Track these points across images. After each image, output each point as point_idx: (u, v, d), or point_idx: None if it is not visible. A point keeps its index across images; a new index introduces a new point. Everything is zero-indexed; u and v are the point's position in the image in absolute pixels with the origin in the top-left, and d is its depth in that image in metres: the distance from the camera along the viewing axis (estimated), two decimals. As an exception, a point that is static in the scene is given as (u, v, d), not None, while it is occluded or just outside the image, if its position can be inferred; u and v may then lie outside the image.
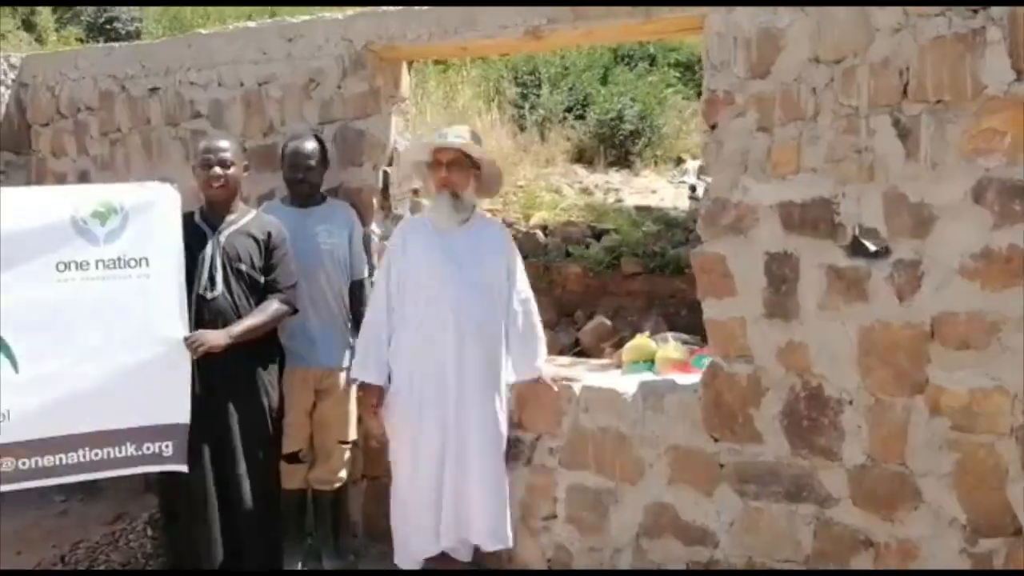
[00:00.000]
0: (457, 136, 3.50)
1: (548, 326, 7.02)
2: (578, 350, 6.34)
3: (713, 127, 3.28)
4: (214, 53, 4.39)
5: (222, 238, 3.47)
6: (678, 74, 11.40)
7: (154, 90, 4.61)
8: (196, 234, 3.45)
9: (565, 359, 4.63)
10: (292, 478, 3.80)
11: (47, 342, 3.16)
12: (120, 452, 3.24)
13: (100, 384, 3.19)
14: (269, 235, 3.54)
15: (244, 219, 3.55)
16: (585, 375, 3.77)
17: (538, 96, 10.41)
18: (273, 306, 3.48)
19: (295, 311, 3.59)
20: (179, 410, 3.26)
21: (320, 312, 3.80)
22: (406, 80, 4.20)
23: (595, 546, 3.60)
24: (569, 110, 10.37)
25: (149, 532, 4.25)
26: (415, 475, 3.49)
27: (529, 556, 3.71)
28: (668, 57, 11.58)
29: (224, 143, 3.54)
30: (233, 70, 4.34)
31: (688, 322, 6.15)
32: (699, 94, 11.39)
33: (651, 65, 11.45)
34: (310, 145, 3.86)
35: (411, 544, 3.56)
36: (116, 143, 4.78)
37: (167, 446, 3.27)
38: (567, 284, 7.22)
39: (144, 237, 3.29)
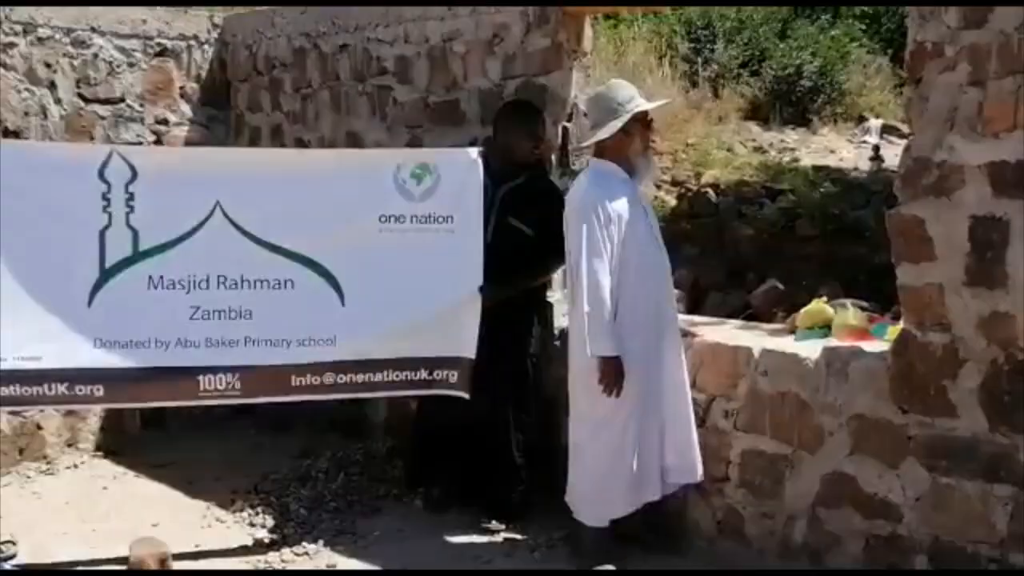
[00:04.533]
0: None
1: (718, 288, 6.95)
2: (748, 313, 6.19)
3: (918, 81, 3.09)
4: (401, 10, 4.51)
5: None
6: (863, 26, 10.79)
7: (343, 47, 4.79)
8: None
9: (735, 322, 4.53)
10: None
11: (368, 282, 3.70)
12: (415, 376, 3.79)
13: (407, 319, 3.72)
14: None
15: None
16: (756, 339, 3.69)
17: (712, 51, 10.12)
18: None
19: None
20: (467, 346, 3.72)
21: None
22: (588, 35, 4.18)
23: (768, 512, 3.53)
24: (744, 65, 10.04)
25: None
26: (642, 431, 3.51)
27: (699, 517, 3.69)
28: (852, 9, 10.97)
29: None
30: (419, 26, 4.45)
31: (867, 288, 5.89)
32: (885, 48, 10.80)
33: (834, 18, 10.89)
34: None
35: (616, 500, 3.56)
36: (307, 98, 5.01)
37: (453, 375, 3.77)
38: (739, 245, 7.04)
39: (452, 197, 3.73)
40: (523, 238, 3.88)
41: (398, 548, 3.76)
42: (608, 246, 3.39)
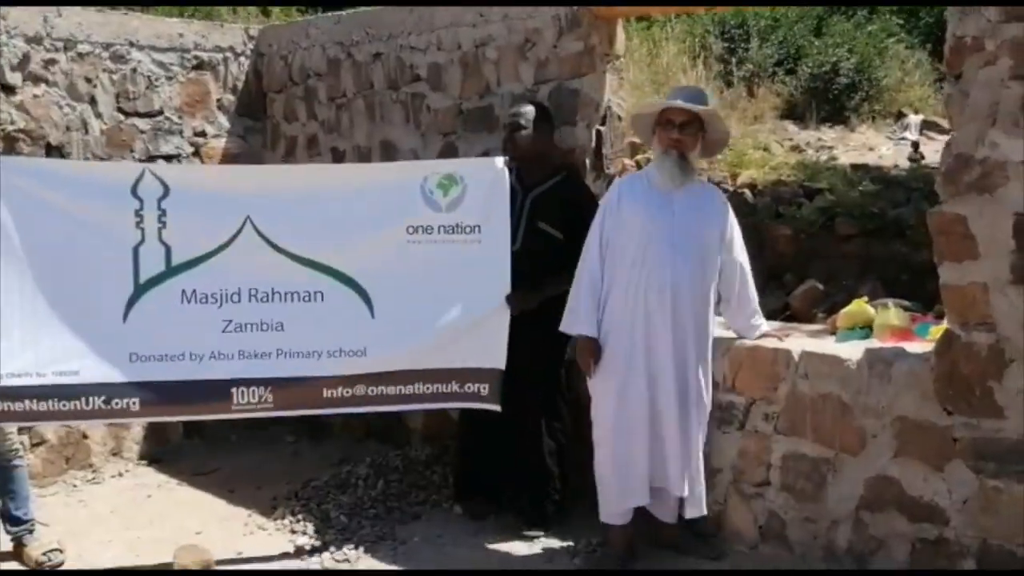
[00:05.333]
0: (691, 98, 3.43)
1: (756, 289, 6.88)
2: (788, 315, 6.11)
3: (958, 77, 3.04)
4: (433, 17, 4.53)
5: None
6: (901, 21, 10.62)
7: (377, 55, 4.82)
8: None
9: (775, 323, 4.48)
10: None
11: (397, 293, 3.70)
12: (446, 388, 3.77)
13: (436, 330, 3.72)
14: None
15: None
16: (796, 341, 3.65)
17: (746, 50, 10.01)
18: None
19: None
20: (497, 357, 3.71)
21: None
22: (621, 38, 4.16)
23: (811, 516, 3.49)
24: (779, 64, 9.93)
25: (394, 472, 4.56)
26: (621, 429, 3.48)
27: (740, 522, 3.66)
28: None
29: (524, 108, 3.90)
30: (451, 33, 4.46)
31: (908, 288, 5.79)
32: (924, 42, 10.66)
33: (871, 13, 10.74)
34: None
35: (617, 498, 3.55)
36: (342, 107, 5.05)
37: (484, 387, 3.75)
38: (777, 246, 6.95)
39: (479, 207, 3.71)
40: (553, 242, 3.86)
41: (438, 554, 3.77)
42: (599, 234, 3.48)
